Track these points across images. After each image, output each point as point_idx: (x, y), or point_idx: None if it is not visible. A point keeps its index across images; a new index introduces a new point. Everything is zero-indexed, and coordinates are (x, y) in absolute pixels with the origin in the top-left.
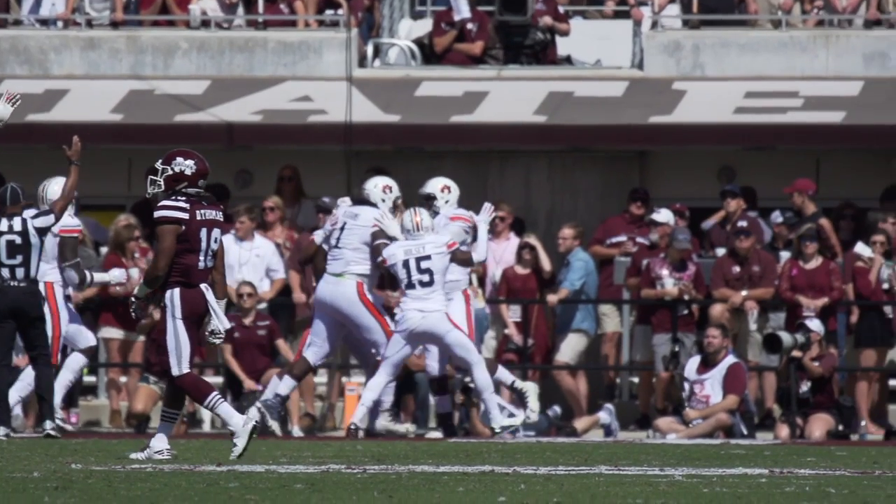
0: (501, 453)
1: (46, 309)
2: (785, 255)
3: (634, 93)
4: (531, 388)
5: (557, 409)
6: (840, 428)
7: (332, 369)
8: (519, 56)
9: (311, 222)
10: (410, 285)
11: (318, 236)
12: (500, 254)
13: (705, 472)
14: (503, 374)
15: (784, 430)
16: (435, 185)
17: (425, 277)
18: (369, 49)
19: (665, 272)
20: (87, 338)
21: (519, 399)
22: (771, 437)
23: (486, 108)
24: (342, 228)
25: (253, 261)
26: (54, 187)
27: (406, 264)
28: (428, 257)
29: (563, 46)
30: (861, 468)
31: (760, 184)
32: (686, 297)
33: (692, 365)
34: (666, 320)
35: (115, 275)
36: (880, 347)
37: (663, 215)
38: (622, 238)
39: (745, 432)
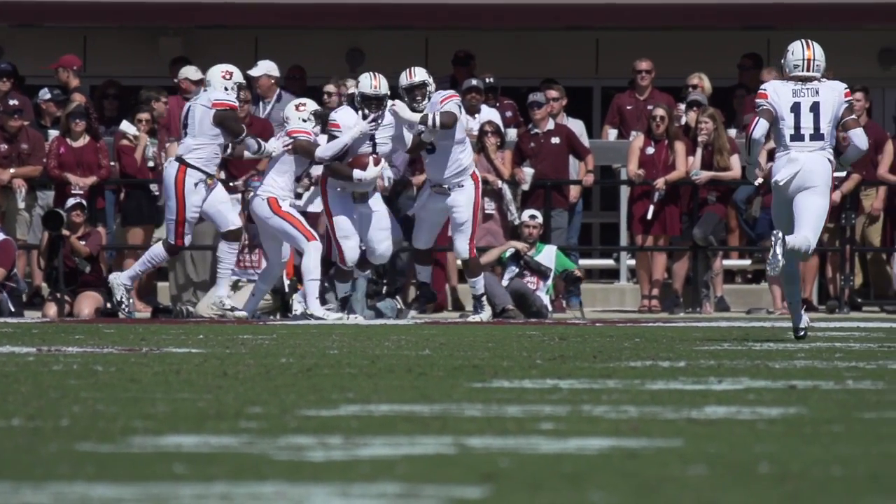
0: None
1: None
2: (53, 132)
3: None
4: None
5: None
6: (108, 306)
7: None
8: None
9: None
10: None
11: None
12: None
13: None
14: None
15: (52, 308)
16: (422, 72)
17: None
18: None
19: None
20: None
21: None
22: (39, 316)
23: None
24: None
25: None
26: None
27: None
28: None
29: None
30: (129, 345)
31: (27, 61)
32: None
33: None
34: None
35: None
36: (146, 225)
37: None
38: None
39: (13, 310)
